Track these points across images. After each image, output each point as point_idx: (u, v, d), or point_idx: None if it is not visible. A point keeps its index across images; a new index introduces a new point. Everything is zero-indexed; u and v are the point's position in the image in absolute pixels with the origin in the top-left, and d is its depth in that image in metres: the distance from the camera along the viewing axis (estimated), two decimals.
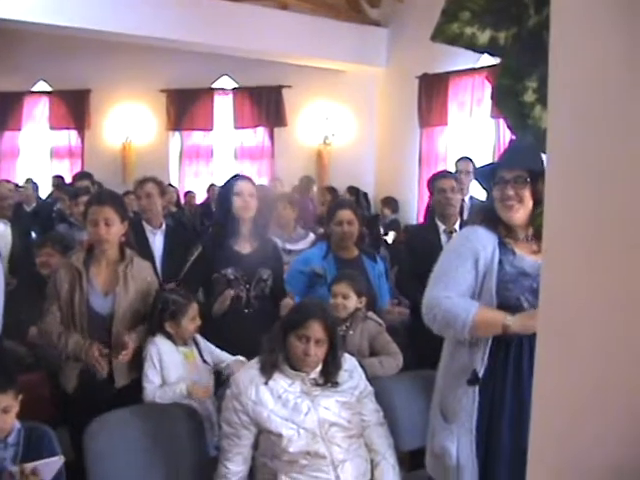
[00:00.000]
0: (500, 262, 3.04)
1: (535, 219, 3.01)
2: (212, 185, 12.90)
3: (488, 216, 3.20)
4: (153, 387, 3.99)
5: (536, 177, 2.98)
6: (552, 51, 0.99)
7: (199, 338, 4.27)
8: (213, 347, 4.30)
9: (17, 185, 11.77)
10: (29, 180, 12.90)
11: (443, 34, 1.25)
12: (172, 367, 4.04)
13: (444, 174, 5.89)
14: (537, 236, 3.12)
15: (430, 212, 5.72)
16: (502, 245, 3.09)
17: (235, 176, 5.03)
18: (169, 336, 4.13)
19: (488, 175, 3.22)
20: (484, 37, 1.18)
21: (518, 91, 1.14)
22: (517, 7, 1.12)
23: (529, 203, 3.08)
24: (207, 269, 4.63)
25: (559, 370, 1.18)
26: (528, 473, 1.22)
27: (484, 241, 3.09)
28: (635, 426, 1.12)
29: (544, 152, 1.07)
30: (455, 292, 3.01)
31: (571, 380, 1.16)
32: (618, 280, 1.09)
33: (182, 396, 3.95)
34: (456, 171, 6.97)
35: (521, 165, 3.06)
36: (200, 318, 4.22)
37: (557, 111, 1.01)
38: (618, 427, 1.14)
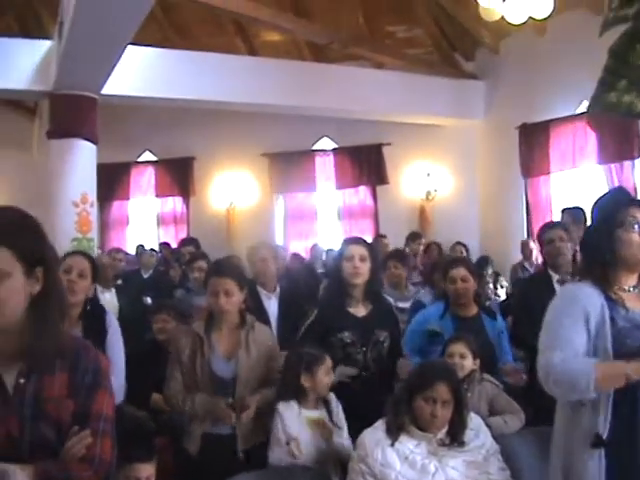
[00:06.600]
0: (612, 318, 2.92)
1: None
2: (314, 245, 13.07)
3: (593, 271, 3.09)
4: (278, 456, 3.99)
5: None
6: None
7: (332, 399, 4.24)
8: (344, 419, 4.24)
9: (127, 253, 12.16)
10: (140, 247, 13.28)
11: (600, 103, 1.27)
12: (296, 435, 4.03)
13: (551, 225, 5.86)
14: None
15: (542, 263, 5.67)
16: (610, 300, 2.96)
17: (346, 240, 5.04)
18: (298, 397, 4.15)
19: (609, 218, 3.06)
20: None
21: None
22: None
23: None
24: (323, 332, 4.62)
25: None
26: None
27: (592, 299, 2.96)
28: None
29: None
30: (569, 354, 2.90)
31: None
32: None
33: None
34: (561, 222, 6.89)
35: None
36: None
37: None
38: None
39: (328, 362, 4.19)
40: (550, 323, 3.05)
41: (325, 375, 4.16)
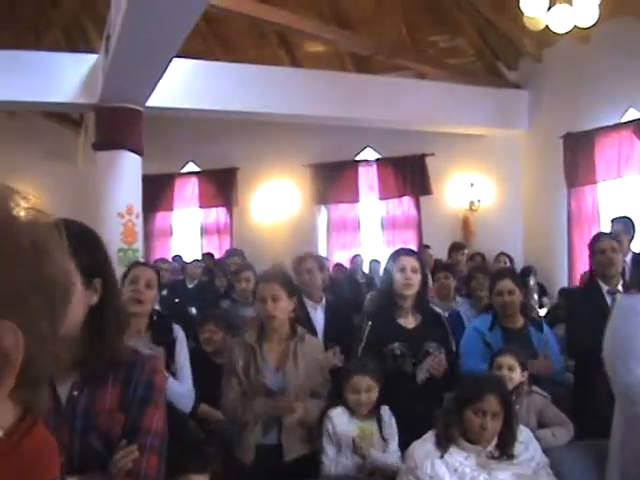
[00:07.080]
0: None
1: None
2: (356, 256, 13.05)
3: None
4: (329, 461, 4.03)
5: None
6: None
7: (385, 411, 4.25)
8: (395, 433, 4.25)
9: (171, 263, 12.28)
10: (177, 257, 13.41)
11: None
12: (345, 442, 4.07)
13: (603, 234, 5.82)
14: None
15: (591, 273, 5.61)
16: None
17: (398, 251, 5.05)
18: (346, 406, 4.17)
19: None
20: None
21: None
22: None
23: None
24: (378, 343, 4.64)
25: None
26: None
27: None
28: None
29: None
30: None
31: None
32: None
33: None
34: (612, 231, 6.82)
35: None
36: None
37: None
38: None
39: (356, 381, 4.19)
40: (618, 341, 3.03)
41: (351, 393, 4.18)
